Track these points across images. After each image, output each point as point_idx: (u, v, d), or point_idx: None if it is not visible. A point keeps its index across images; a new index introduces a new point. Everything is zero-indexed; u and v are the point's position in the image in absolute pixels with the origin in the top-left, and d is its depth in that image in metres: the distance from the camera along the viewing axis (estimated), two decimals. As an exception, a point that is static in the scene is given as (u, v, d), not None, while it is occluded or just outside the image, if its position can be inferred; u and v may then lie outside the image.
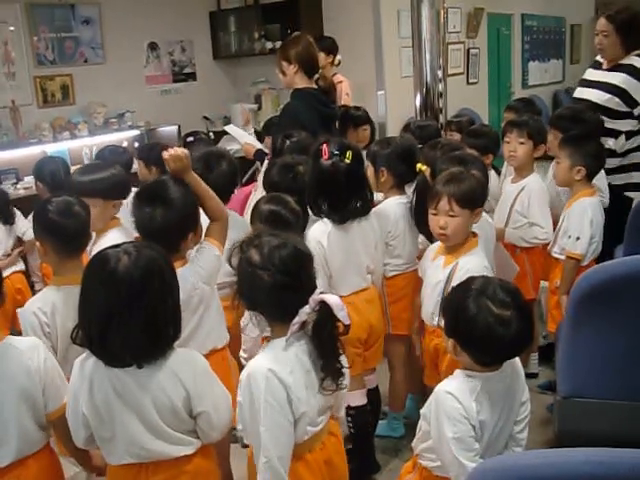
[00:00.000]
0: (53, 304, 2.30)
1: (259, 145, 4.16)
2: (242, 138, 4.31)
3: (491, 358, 1.83)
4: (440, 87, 4.75)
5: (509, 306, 1.77)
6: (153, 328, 1.76)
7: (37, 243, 2.40)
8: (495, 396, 1.84)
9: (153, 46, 6.89)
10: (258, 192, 3.68)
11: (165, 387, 1.79)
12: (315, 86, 3.80)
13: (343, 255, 2.66)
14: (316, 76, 3.83)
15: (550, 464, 1.25)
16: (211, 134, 6.10)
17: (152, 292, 1.76)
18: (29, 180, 5.31)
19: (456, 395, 1.80)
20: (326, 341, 1.82)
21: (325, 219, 2.65)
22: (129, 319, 1.72)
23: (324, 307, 1.79)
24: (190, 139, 4.29)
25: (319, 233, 2.62)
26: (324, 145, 2.64)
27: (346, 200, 2.65)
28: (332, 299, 1.80)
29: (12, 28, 5.76)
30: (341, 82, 5.49)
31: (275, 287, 1.76)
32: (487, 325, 1.75)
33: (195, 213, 2.34)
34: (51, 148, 5.71)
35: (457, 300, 1.85)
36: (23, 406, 1.91)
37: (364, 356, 2.78)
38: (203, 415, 1.84)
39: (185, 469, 1.84)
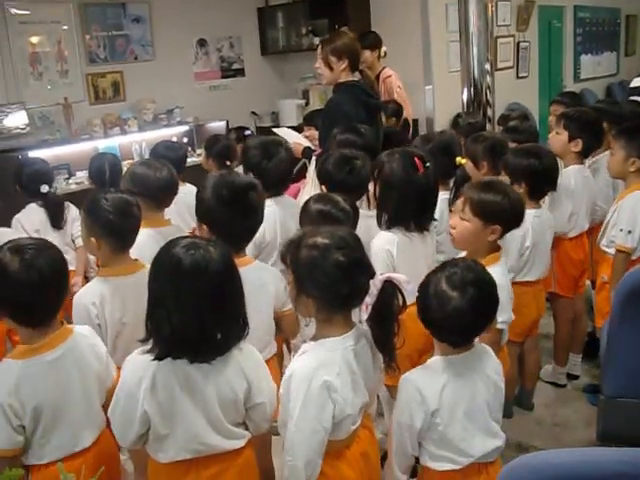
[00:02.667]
0: (102, 295, 2.34)
1: (307, 143, 4.19)
2: (291, 138, 4.36)
3: (458, 336, 1.90)
4: (488, 81, 4.71)
5: (469, 282, 1.84)
6: (236, 322, 1.80)
7: (92, 239, 2.38)
8: (465, 372, 1.92)
9: (202, 42, 6.97)
10: (307, 189, 3.69)
11: (230, 379, 1.80)
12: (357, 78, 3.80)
13: (409, 265, 2.54)
14: (357, 75, 3.82)
15: (582, 462, 1.23)
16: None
17: (235, 284, 1.81)
18: (81, 175, 5.45)
19: (419, 383, 1.89)
20: (389, 320, 1.83)
21: (394, 229, 2.55)
22: (225, 314, 1.75)
23: (388, 286, 1.79)
24: (248, 132, 4.47)
25: (387, 242, 2.51)
26: (417, 159, 2.56)
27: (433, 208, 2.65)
28: (397, 275, 1.82)
29: (65, 27, 5.91)
30: (390, 76, 5.44)
31: (348, 265, 1.75)
32: (452, 306, 1.83)
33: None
34: (102, 144, 5.84)
35: (422, 291, 1.91)
36: (97, 389, 1.99)
37: (417, 363, 2.74)
38: (260, 406, 1.86)
39: (235, 462, 1.85)
